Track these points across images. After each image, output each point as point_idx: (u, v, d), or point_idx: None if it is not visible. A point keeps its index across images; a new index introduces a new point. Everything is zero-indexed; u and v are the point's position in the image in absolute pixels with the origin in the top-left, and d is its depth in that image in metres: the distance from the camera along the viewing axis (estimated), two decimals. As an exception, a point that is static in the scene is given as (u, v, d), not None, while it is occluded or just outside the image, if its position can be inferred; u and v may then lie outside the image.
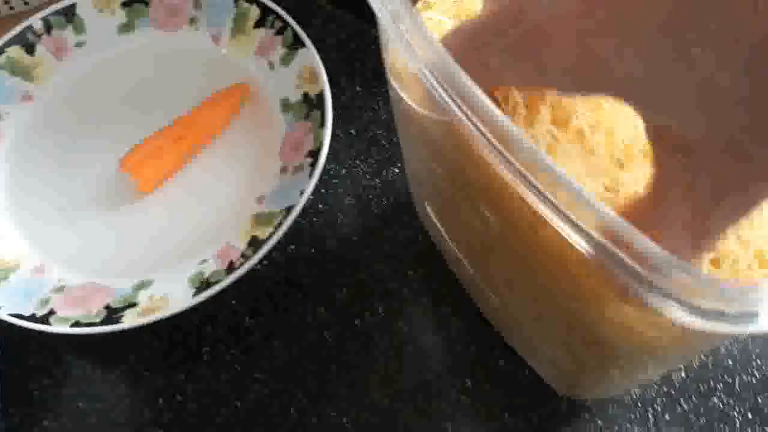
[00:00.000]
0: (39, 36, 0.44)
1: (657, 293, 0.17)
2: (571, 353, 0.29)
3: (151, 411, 0.37)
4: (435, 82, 0.19)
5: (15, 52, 0.43)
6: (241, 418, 0.37)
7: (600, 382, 0.31)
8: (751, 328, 0.16)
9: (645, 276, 0.16)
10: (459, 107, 0.18)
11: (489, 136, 0.18)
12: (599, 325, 0.22)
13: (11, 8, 0.46)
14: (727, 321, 0.16)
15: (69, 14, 0.44)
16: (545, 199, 0.18)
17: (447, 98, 0.19)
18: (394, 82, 0.28)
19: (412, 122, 0.29)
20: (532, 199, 0.18)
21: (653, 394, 0.37)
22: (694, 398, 0.37)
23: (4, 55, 0.43)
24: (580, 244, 0.17)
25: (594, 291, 0.21)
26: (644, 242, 0.16)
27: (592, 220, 0.17)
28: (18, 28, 0.43)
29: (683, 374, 0.37)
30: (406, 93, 0.27)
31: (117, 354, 0.38)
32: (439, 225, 0.36)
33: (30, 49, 0.44)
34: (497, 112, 0.18)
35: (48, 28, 0.44)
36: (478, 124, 0.18)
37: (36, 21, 0.44)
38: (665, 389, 0.37)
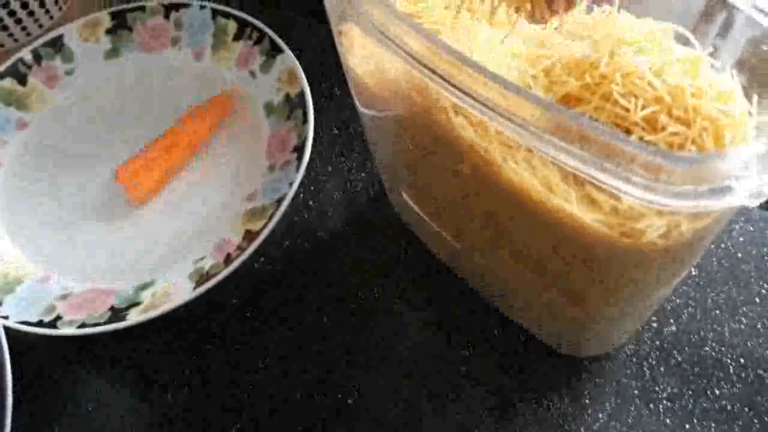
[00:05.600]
0: (30, 67, 0.46)
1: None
2: (562, 292, 0.30)
3: (160, 404, 0.38)
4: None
5: (8, 83, 0.45)
6: (250, 400, 0.37)
7: (592, 324, 0.32)
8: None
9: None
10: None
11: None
12: (581, 237, 0.23)
13: (1, 45, 0.48)
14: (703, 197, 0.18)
15: (57, 45, 0.47)
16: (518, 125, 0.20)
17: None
18: (354, 70, 0.30)
19: (380, 106, 0.31)
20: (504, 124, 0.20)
21: (647, 349, 0.38)
22: (687, 349, 0.38)
23: (-3, 87, 0.45)
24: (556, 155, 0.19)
25: (570, 209, 0.23)
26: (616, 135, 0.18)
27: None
28: (9, 61, 0.45)
29: (674, 327, 0.38)
30: (364, 70, 0.29)
31: (125, 354, 0.39)
32: (418, 209, 0.37)
33: (22, 80, 0.46)
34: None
35: (38, 59, 0.46)
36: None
37: (26, 53, 0.46)
38: (657, 343, 0.38)
